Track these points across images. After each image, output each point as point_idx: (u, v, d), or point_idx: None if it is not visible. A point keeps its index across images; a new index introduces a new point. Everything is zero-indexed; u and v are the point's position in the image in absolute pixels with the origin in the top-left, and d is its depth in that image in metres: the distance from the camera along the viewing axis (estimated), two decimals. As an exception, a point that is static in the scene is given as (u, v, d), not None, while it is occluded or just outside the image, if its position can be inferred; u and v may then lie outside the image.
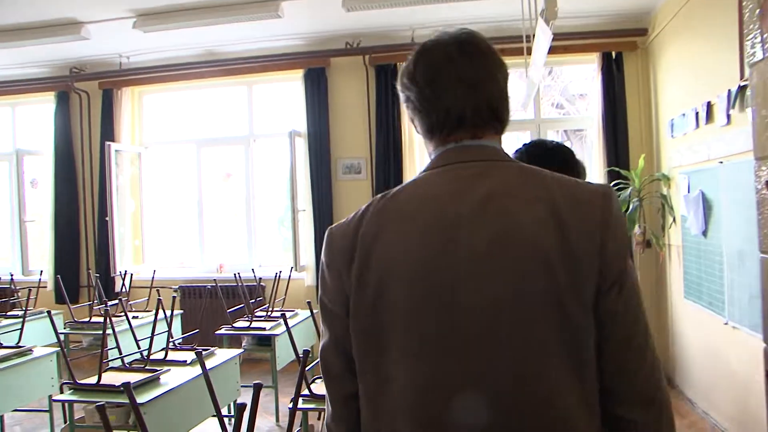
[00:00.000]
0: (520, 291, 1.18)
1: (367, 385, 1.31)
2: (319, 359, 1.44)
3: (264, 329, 5.50)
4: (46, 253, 8.08)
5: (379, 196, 1.38)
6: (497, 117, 1.36)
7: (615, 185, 6.19)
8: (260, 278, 6.63)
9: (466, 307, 1.19)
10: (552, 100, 9.68)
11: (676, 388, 5.97)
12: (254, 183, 7.80)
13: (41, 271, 7.32)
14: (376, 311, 1.26)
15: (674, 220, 5.92)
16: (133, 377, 3.83)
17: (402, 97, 1.41)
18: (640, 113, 6.72)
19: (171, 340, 4.47)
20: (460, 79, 1.32)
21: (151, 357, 4.28)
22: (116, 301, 5.90)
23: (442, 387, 1.20)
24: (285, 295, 6.46)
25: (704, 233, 5.00)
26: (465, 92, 1.32)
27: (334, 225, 1.40)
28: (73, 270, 7.94)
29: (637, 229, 6.12)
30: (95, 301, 6.39)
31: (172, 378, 3.99)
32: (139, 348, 4.35)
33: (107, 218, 7.53)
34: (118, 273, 7.27)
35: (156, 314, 4.49)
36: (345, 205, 7.26)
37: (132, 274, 6.88)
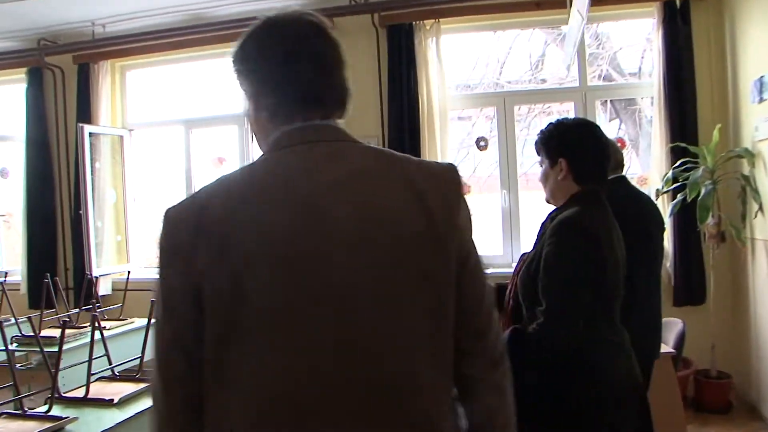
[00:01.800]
0: (389, 269, 1.21)
1: (222, 382, 1.23)
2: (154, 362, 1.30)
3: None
4: (19, 252, 7.11)
5: (223, 176, 1.32)
6: (344, 101, 1.39)
7: (681, 164, 4.97)
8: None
9: (334, 289, 1.19)
10: (599, 71, 8.41)
11: (765, 420, 4.75)
12: (251, 169, 6.68)
13: (5, 273, 6.36)
14: (235, 299, 1.19)
15: (761, 207, 4.70)
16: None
17: (240, 70, 1.43)
18: (711, 75, 5.46)
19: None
20: (317, 57, 1.35)
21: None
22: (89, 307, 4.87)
23: (310, 373, 1.19)
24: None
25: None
26: (320, 72, 1.35)
27: (171, 206, 1.30)
28: (49, 270, 6.92)
29: (710, 219, 4.89)
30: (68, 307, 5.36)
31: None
32: (110, 363, 3.40)
33: (81, 211, 6.49)
34: (89, 274, 6.22)
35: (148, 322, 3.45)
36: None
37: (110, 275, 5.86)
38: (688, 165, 4.98)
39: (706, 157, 4.96)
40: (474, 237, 1.35)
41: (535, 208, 7.22)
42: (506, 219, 5.94)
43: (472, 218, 1.36)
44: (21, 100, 7.09)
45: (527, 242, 5.88)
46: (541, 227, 2.51)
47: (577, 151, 2.42)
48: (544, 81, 7.56)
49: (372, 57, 6.05)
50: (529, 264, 2.39)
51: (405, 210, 1.24)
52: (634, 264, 2.60)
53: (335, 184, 1.23)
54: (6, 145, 7.43)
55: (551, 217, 2.42)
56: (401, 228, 1.22)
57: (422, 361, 1.25)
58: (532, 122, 8.55)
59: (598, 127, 2.54)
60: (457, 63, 6.52)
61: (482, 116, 7.66)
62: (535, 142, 2.54)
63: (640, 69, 7.47)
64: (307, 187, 1.23)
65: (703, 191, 4.80)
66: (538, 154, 2.55)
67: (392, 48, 5.92)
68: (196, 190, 1.30)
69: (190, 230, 1.22)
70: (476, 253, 1.35)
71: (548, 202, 2.55)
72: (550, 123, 2.50)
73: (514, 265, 5.76)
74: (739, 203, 4.97)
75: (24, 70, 7.04)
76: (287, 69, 1.32)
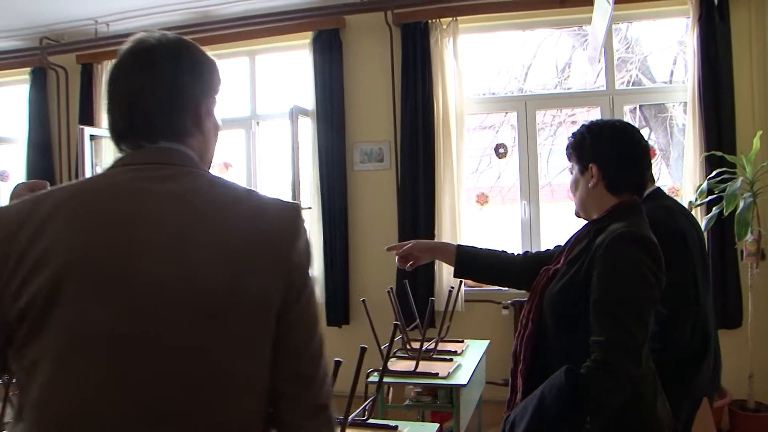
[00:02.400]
0: (202, 298, 1.17)
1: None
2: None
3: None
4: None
5: (44, 191, 1.26)
6: (188, 124, 1.32)
7: (717, 175, 4.54)
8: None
9: (143, 312, 1.15)
10: (628, 77, 7.98)
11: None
12: (258, 174, 6.36)
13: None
14: (43, 317, 1.14)
15: (806, 222, 4.25)
16: None
17: None
18: (752, 78, 5.02)
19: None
20: (146, 83, 1.30)
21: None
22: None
23: (105, 412, 1.13)
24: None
25: None
26: (154, 96, 1.29)
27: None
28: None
29: (749, 236, 4.45)
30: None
31: None
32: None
33: (80, 218, 6.19)
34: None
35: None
36: (363, 201, 5.78)
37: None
38: (725, 176, 4.55)
39: (745, 167, 4.53)
40: (309, 278, 1.29)
41: (558, 221, 6.90)
42: (525, 232, 5.55)
43: (309, 258, 1.31)
44: (22, 101, 6.85)
45: (548, 257, 5.48)
46: (570, 241, 2.21)
47: (610, 155, 2.11)
48: (570, 89, 7.17)
49: (385, 58, 5.71)
50: (567, 285, 2.04)
51: (225, 240, 1.21)
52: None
53: (157, 209, 1.21)
54: (6, 147, 7.17)
55: (592, 231, 2.09)
56: (219, 257, 1.19)
57: (233, 406, 1.20)
58: (557, 131, 8.17)
59: (636, 129, 2.21)
60: (477, 66, 6.13)
61: (506, 125, 7.29)
62: (567, 147, 2.24)
63: (672, 74, 7.06)
64: (125, 211, 1.20)
65: (741, 204, 4.37)
66: (569, 160, 2.24)
67: (406, 48, 5.56)
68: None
69: (6, 246, 1.17)
70: (308, 295, 1.28)
71: (578, 215, 2.25)
72: (583, 124, 2.22)
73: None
74: (782, 218, 4.53)
75: (27, 70, 6.81)
76: (118, 94, 1.32)
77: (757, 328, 4.64)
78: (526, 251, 2.53)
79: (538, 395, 1.90)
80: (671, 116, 7.06)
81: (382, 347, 3.65)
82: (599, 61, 5.14)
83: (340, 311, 5.67)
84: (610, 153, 2.11)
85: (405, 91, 5.55)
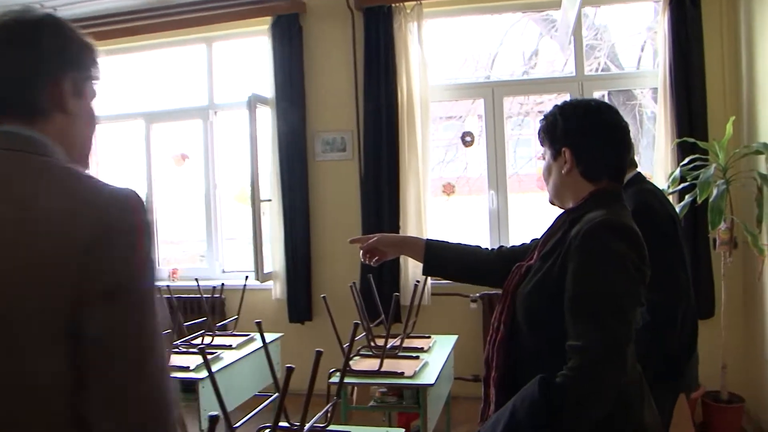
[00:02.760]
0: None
1: None
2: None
3: (187, 368, 3.83)
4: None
5: None
6: (44, 100, 1.20)
7: (690, 162, 4.41)
8: (214, 287, 4.89)
9: None
10: (596, 65, 7.86)
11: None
12: (216, 166, 6.13)
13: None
14: None
15: (781, 210, 4.13)
16: None
17: None
18: (724, 62, 4.90)
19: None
20: None
21: None
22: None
23: None
24: (239, 311, 4.76)
25: None
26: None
27: None
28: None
29: (722, 224, 4.32)
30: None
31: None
32: None
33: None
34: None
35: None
36: (325, 193, 5.58)
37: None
38: (697, 163, 4.42)
39: (718, 154, 4.41)
40: (132, 276, 1.10)
41: (526, 211, 6.76)
42: (494, 222, 5.38)
43: (139, 251, 1.12)
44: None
45: (517, 249, 5.33)
46: (546, 234, 1.98)
47: (584, 138, 1.90)
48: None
49: (347, 43, 5.50)
50: (540, 282, 1.82)
51: (21, 236, 1.06)
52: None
53: None
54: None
55: (567, 221, 1.87)
56: (16, 259, 1.05)
57: None
58: (524, 121, 8.01)
59: (614, 109, 1.97)
60: (442, 52, 5.94)
61: (473, 114, 7.13)
62: (538, 130, 2.02)
63: (639, 61, 6.94)
64: None
65: (714, 192, 4.23)
66: (542, 145, 2.03)
67: (369, 33, 5.35)
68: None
69: None
70: (129, 297, 1.09)
71: (552, 203, 2.03)
72: (556, 105, 1.99)
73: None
74: (755, 206, 4.41)
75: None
76: None
77: (729, 319, 4.53)
78: (501, 246, 2.29)
79: (510, 408, 1.69)
80: (640, 103, 6.94)
81: (345, 346, 3.48)
82: (570, 43, 4.98)
83: (302, 307, 5.46)
84: (585, 136, 1.90)
85: (368, 78, 5.34)
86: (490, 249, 2.30)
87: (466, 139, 5.50)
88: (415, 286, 3.86)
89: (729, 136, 4.38)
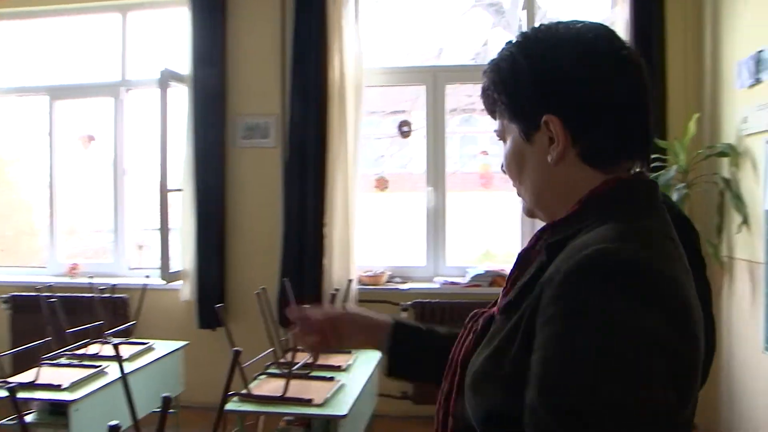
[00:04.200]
0: None
1: None
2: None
3: (59, 387, 3.22)
4: None
5: None
6: None
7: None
8: (113, 286, 4.28)
9: None
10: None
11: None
12: (127, 150, 5.49)
13: None
14: None
15: (745, 219, 3.70)
16: None
17: None
18: (686, 56, 4.48)
19: None
20: None
21: None
22: None
23: None
24: (137, 314, 4.19)
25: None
26: None
27: None
28: None
29: (681, 232, 3.88)
30: None
31: None
32: None
33: None
34: None
35: None
36: (244, 183, 5.00)
37: None
38: (656, 164, 3.98)
39: (679, 155, 3.97)
40: None
41: (468, 212, 6.27)
42: (431, 223, 4.88)
43: None
44: None
45: (455, 253, 4.84)
46: (516, 264, 1.14)
47: (582, 92, 1.06)
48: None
49: (275, 18, 4.94)
50: (494, 359, 1.02)
51: None
52: None
53: None
54: None
55: (548, 246, 1.04)
56: None
57: None
58: (471, 118, 7.56)
59: (620, 37, 1.11)
60: (382, 35, 5.41)
61: (415, 107, 6.66)
62: (484, 90, 1.16)
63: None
64: None
65: (674, 197, 3.80)
66: (493, 116, 1.19)
67: (300, 8, 4.78)
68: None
69: None
70: None
71: (531, 215, 1.19)
72: (510, 42, 1.14)
73: (440, 280, 4.72)
74: (715, 213, 3.99)
75: None
76: None
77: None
78: None
79: None
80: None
81: (245, 365, 2.94)
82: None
83: (214, 311, 4.84)
84: (583, 87, 1.05)
85: (297, 57, 4.78)
86: None
87: (404, 128, 4.98)
88: (333, 295, 3.30)
89: (692, 135, 3.97)
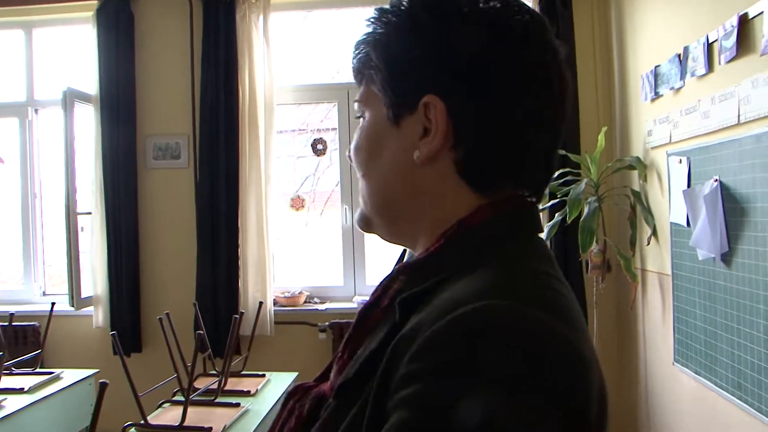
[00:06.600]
0: None
1: None
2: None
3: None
4: None
5: None
6: None
7: (560, 176, 3.95)
8: (11, 314, 4.07)
9: None
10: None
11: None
12: (36, 172, 5.28)
13: None
14: None
15: (654, 232, 3.73)
16: None
17: None
18: (596, 68, 4.49)
19: None
20: None
21: None
22: None
23: None
24: (42, 343, 4.02)
25: (725, 257, 2.79)
26: None
27: None
28: None
29: (594, 246, 3.89)
30: None
31: None
32: None
33: None
34: None
35: None
36: (156, 205, 4.84)
37: None
38: (569, 177, 3.97)
39: (590, 168, 3.97)
40: None
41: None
42: (348, 241, 4.79)
43: None
44: None
45: (375, 271, 4.77)
46: (353, 330, 0.84)
47: (492, 84, 0.79)
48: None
49: (183, 37, 4.80)
50: None
51: None
52: None
53: None
54: None
55: (402, 301, 0.76)
56: None
57: None
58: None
59: (550, 32, 0.85)
60: (291, 49, 5.30)
61: (328, 127, 6.58)
62: (357, 58, 0.90)
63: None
64: None
65: (586, 210, 3.79)
66: (359, 79, 0.91)
67: (208, 24, 4.66)
68: None
69: None
70: None
71: (365, 225, 0.93)
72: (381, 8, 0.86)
73: (359, 300, 4.64)
74: (628, 226, 4.00)
75: None
76: None
77: (601, 349, 4.09)
78: None
79: None
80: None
81: (141, 394, 2.82)
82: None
83: (128, 337, 4.68)
84: (494, 77, 0.79)
85: (206, 75, 4.64)
86: None
87: (318, 147, 4.88)
88: (234, 319, 3.20)
89: (601, 148, 3.96)
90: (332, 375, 0.85)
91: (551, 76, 0.82)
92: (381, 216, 0.88)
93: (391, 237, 0.91)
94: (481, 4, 0.80)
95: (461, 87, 0.78)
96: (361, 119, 0.89)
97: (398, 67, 0.82)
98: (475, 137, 0.79)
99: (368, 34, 0.86)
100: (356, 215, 0.93)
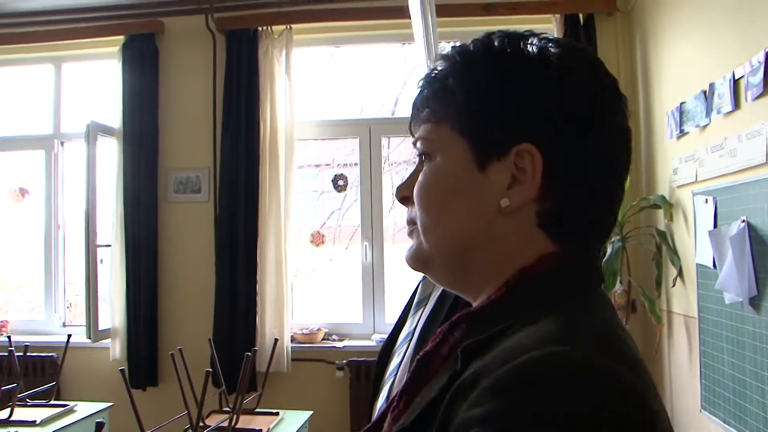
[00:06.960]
0: None
1: None
2: None
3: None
4: None
5: None
6: None
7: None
8: (26, 345, 4.07)
9: None
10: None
11: None
12: (60, 203, 5.31)
13: None
14: None
15: (680, 273, 3.61)
16: None
17: None
18: (621, 104, 4.41)
19: None
20: None
21: None
22: None
23: None
24: (58, 375, 4.01)
25: (753, 301, 2.68)
26: None
27: None
28: None
29: (617, 286, 3.79)
30: None
31: None
32: None
33: None
34: None
35: None
36: (176, 239, 4.84)
37: None
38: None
39: (613, 207, 3.88)
40: None
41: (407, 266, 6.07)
42: (367, 278, 4.73)
43: None
44: None
45: (393, 309, 4.69)
46: (412, 378, 0.80)
47: (587, 133, 0.78)
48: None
49: (206, 72, 4.82)
50: None
51: None
52: None
53: None
54: None
55: (465, 349, 0.72)
56: None
57: None
58: (407, 169, 7.42)
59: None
60: (313, 84, 5.31)
61: (349, 162, 6.55)
62: (427, 95, 0.85)
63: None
64: None
65: (609, 250, 3.71)
66: (421, 121, 0.86)
67: (231, 60, 4.70)
68: None
69: None
70: None
71: (421, 264, 0.87)
72: (454, 48, 0.84)
73: (377, 338, 4.55)
74: (653, 266, 3.90)
75: None
76: None
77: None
78: None
79: None
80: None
81: (151, 430, 2.78)
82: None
83: (144, 371, 4.65)
84: (583, 119, 0.78)
85: (228, 110, 4.66)
86: None
87: (339, 183, 4.85)
88: (246, 357, 3.14)
89: (626, 187, 3.87)
90: (386, 424, 0.82)
91: (630, 130, 0.84)
92: (449, 262, 0.84)
93: (448, 282, 0.88)
94: (574, 60, 0.81)
95: (561, 140, 0.77)
96: (427, 160, 0.84)
97: (490, 112, 0.79)
98: (565, 191, 0.78)
99: (445, 72, 0.83)
100: (409, 252, 0.87)
